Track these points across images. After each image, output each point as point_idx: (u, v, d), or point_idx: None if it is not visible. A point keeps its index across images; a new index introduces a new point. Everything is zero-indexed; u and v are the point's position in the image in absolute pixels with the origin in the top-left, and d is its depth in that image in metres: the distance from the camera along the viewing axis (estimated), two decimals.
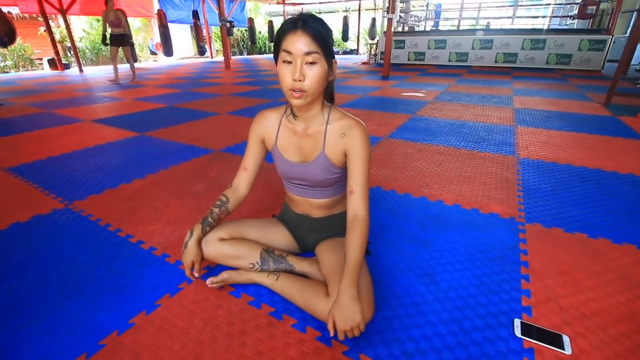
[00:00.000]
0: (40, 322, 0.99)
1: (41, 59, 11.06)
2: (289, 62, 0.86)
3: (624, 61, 3.88)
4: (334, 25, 16.59)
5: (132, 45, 6.60)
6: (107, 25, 6.12)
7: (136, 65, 10.74)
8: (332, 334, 0.83)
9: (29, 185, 1.93)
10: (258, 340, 0.91)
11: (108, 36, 6.21)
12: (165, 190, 1.83)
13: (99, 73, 8.95)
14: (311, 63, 0.86)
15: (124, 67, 8.68)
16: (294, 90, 0.87)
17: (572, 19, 10.03)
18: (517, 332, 0.93)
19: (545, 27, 11.68)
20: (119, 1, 9.60)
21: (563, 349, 0.88)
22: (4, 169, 2.20)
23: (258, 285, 1.11)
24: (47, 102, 4.64)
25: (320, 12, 17.64)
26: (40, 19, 9.44)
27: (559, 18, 11.78)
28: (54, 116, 3.78)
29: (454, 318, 0.98)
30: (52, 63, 10.04)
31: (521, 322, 0.96)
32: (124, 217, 1.57)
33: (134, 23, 14.02)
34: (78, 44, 12.39)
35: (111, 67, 6.83)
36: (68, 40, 10.31)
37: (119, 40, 6.24)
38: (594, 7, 8.33)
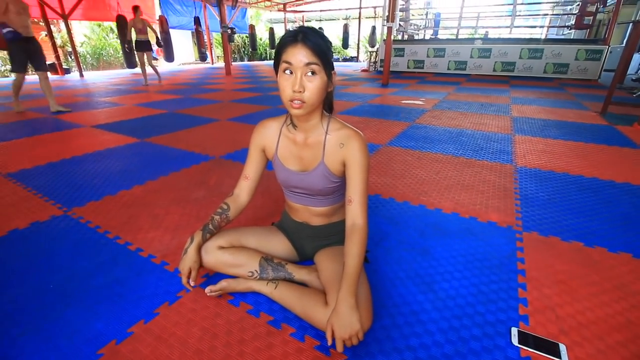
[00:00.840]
0: (39, 330, 0.99)
1: None
2: (290, 73, 0.88)
3: (620, 71, 3.93)
4: (335, 32, 16.77)
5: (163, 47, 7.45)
6: (134, 32, 6.70)
7: (137, 70, 10.83)
8: (330, 342, 0.83)
9: (28, 191, 1.93)
10: (257, 350, 0.91)
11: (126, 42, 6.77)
12: (165, 197, 1.84)
13: (99, 78, 9.00)
14: (311, 74, 0.87)
15: (118, 73, 8.71)
16: (293, 101, 0.89)
17: (569, 29, 10.17)
18: (515, 340, 0.93)
19: (543, 36, 11.83)
20: (120, 6, 9.67)
21: (560, 358, 0.88)
22: (3, 174, 2.20)
23: (257, 293, 1.11)
24: (47, 107, 4.64)
25: (320, 20, 17.83)
26: (42, 23, 9.51)
27: (556, 28, 11.94)
28: (53, 121, 3.79)
29: (452, 327, 0.98)
30: (53, 67, 10.09)
31: (518, 331, 0.96)
32: (123, 224, 1.57)
33: None
34: (79, 49, 12.47)
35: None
36: (69, 45, 10.38)
37: (144, 46, 6.83)
38: (591, 17, 8.46)
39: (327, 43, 0.90)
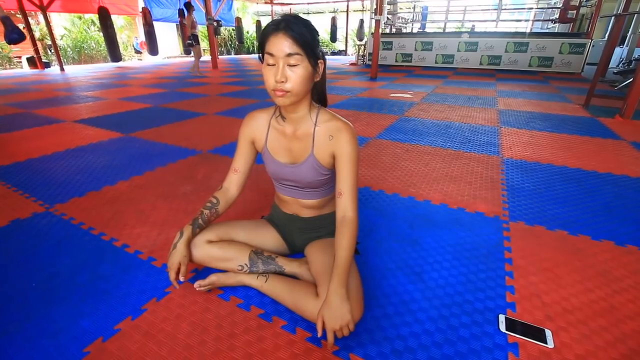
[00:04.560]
0: (22, 329, 0.96)
1: (20, 58, 10.71)
2: (273, 64, 0.86)
3: (603, 64, 4.01)
4: (322, 26, 16.62)
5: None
6: (190, 27, 7.37)
7: (120, 64, 10.60)
8: (320, 334, 0.83)
9: (8, 189, 1.87)
10: (247, 343, 0.91)
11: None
12: (152, 192, 1.80)
13: (81, 72, 8.73)
14: (294, 64, 0.86)
15: (100, 67, 8.48)
16: (276, 90, 0.88)
17: (554, 23, 10.32)
18: (502, 327, 0.95)
19: (528, 30, 11.97)
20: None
21: (546, 343, 0.90)
22: None
23: (247, 287, 1.10)
24: (26, 102, 4.50)
25: (308, 13, 17.64)
26: (19, 16, 9.14)
27: (541, 22, 12.11)
28: (34, 116, 3.67)
29: (441, 315, 0.99)
30: (32, 62, 9.74)
31: (506, 318, 0.98)
32: (108, 220, 1.53)
33: (118, 21, 13.73)
34: (59, 42, 12.04)
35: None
36: (48, 38, 10.01)
37: (196, 39, 7.45)
38: (574, 11, 8.59)
39: (312, 32, 0.88)
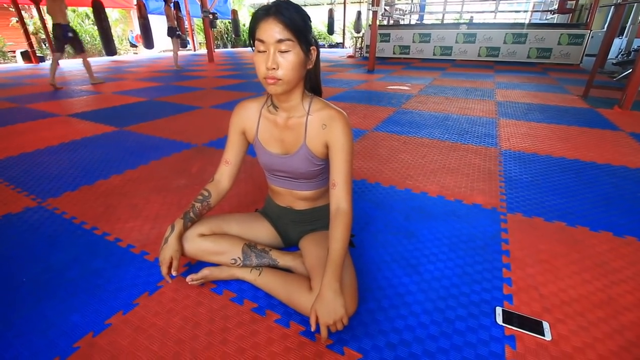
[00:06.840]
0: (11, 325, 0.94)
1: (14, 52, 10.58)
2: (263, 50, 0.84)
3: (601, 55, 3.97)
4: (320, 18, 16.44)
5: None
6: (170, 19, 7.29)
7: (115, 58, 10.50)
8: (313, 328, 0.81)
9: (0, 183, 1.84)
10: (240, 337, 0.89)
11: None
12: (145, 186, 1.78)
13: (75, 66, 8.62)
14: (285, 51, 0.83)
15: (96, 60, 8.38)
16: (267, 78, 0.85)
17: (553, 14, 10.24)
18: (499, 320, 0.94)
19: (527, 21, 11.88)
20: None
21: (543, 335, 0.89)
22: None
23: (240, 281, 1.08)
24: (20, 96, 4.45)
25: (305, 5, 17.46)
26: (12, 9, 9.01)
27: (539, 13, 12.01)
28: (27, 111, 3.62)
29: (437, 308, 0.98)
30: (26, 56, 9.63)
31: (502, 310, 0.97)
32: (100, 214, 1.51)
33: (112, 14, 13.55)
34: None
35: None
36: (42, 32, 9.88)
37: (172, 31, 7.37)
38: (574, 1, 8.51)
39: (304, 17, 0.85)
